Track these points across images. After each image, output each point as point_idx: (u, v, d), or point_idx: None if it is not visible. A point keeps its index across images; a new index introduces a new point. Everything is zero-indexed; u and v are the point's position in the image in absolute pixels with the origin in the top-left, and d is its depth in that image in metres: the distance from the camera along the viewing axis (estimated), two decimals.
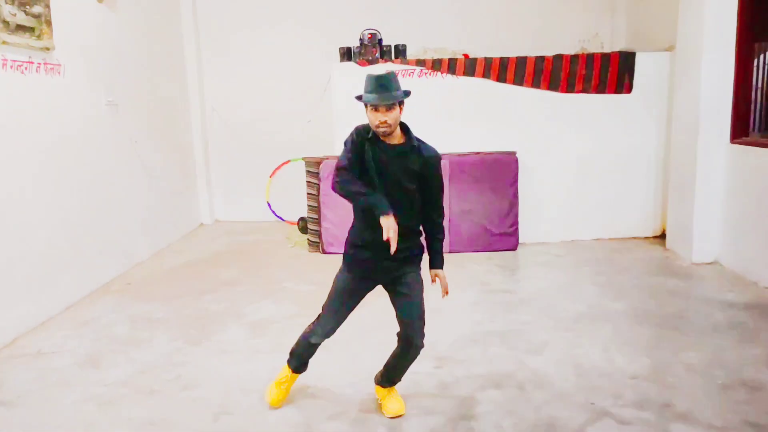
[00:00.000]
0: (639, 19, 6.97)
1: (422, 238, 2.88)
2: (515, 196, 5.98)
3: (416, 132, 2.81)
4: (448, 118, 6.14)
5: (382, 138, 2.69)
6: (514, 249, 6.02)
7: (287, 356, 3.17)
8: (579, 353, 3.62)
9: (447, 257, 2.94)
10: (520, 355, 3.63)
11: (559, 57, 6.07)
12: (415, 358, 2.93)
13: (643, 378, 3.29)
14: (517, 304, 4.52)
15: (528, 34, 7.18)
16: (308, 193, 6.19)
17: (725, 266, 5.22)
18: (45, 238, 4.49)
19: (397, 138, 2.73)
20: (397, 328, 2.92)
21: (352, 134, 2.75)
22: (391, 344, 3.82)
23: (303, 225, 6.65)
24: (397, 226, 2.58)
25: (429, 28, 7.18)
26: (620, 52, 6.13)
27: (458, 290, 4.29)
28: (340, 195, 2.74)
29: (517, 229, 6.05)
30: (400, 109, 2.66)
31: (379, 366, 3.13)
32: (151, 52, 6.52)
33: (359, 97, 2.69)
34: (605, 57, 6.06)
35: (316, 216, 6.16)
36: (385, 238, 2.56)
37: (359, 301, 2.94)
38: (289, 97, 7.53)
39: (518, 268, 5.56)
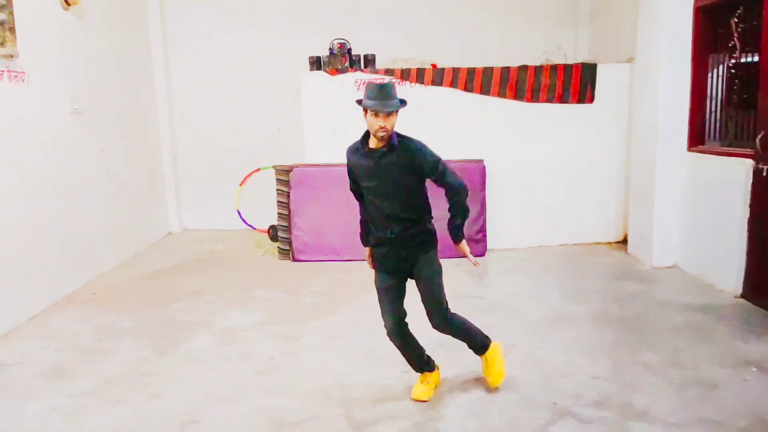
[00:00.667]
0: (600, 32, 7.20)
1: (429, 225, 3.10)
2: (483, 203, 6.09)
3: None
4: (416, 127, 6.09)
5: (365, 142, 2.99)
6: (482, 255, 6.11)
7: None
8: (543, 355, 3.72)
9: None
10: None
11: (524, 68, 6.23)
12: (457, 331, 3.19)
13: (603, 378, 3.39)
14: (485, 309, 4.60)
15: (494, 46, 7.36)
16: (278, 201, 6.20)
17: (684, 270, 5.41)
18: (8, 247, 4.41)
19: (377, 142, 2.95)
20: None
21: (348, 149, 3.09)
22: (362, 349, 3.89)
23: (273, 233, 6.65)
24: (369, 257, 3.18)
25: (398, 38, 7.28)
26: (582, 64, 6.32)
27: None
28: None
29: (485, 235, 6.16)
30: (395, 116, 2.92)
31: (346, 372, 3.20)
32: (118, 59, 6.47)
33: (360, 101, 2.93)
34: (568, 68, 6.24)
35: (286, 224, 6.17)
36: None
37: (400, 294, 3.13)
38: (259, 106, 7.54)
39: (486, 274, 5.65)
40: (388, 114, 2.86)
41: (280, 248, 6.28)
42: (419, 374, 3.28)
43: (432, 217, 3.11)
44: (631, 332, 4.07)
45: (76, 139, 5.47)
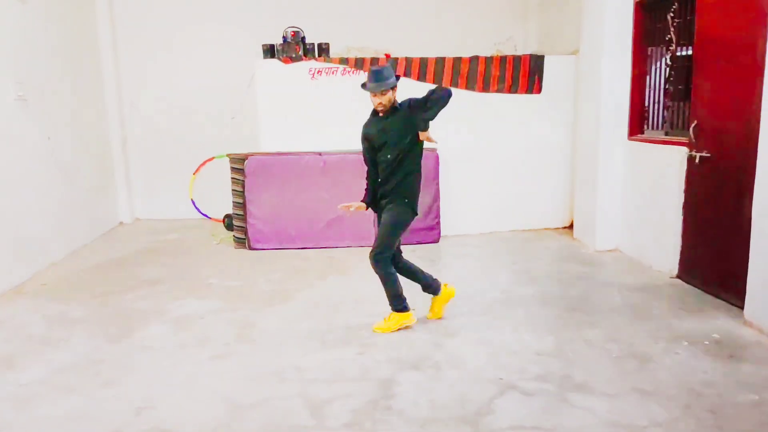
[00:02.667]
0: (548, 24, 7.44)
1: (411, 188, 3.86)
2: (437, 191, 6.24)
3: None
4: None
5: (374, 116, 3.83)
6: (436, 242, 6.28)
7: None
8: (491, 335, 3.88)
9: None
10: (438, 338, 3.85)
11: (475, 58, 6.38)
12: (380, 274, 3.85)
13: (546, 354, 3.58)
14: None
15: (447, 37, 7.49)
16: (233, 190, 6.19)
17: (624, 253, 5.70)
18: None
19: (385, 112, 3.76)
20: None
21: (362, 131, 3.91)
22: (317, 333, 3.96)
23: (228, 222, 6.62)
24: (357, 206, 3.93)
25: (352, 27, 7.33)
26: (531, 55, 6.51)
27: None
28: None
29: (439, 222, 6.31)
30: (393, 92, 3.71)
31: (301, 355, 3.40)
32: (64, 45, 6.30)
33: (363, 85, 3.72)
34: (517, 59, 6.43)
35: (241, 212, 6.17)
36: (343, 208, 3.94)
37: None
38: (212, 94, 7.47)
39: (439, 259, 5.81)
40: (383, 92, 3.65)
41: (236, 237, 6.27)
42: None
43: (418, 184, 3.89)
44: (575, 311, 4.28)
45: (21, 127, 5.32)
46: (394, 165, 3.78)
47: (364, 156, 3.98)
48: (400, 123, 3.74)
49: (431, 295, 4.13)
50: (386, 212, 3.83)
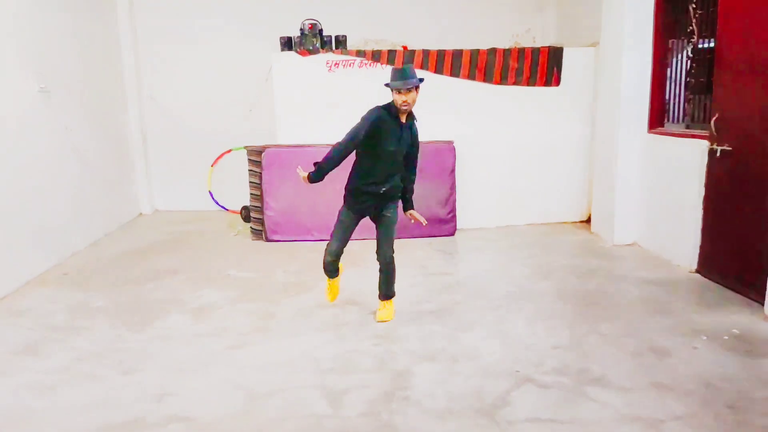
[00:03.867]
0: (567, 16, 7.35)
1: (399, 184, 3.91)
2: (453, 184, 6.22)
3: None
4: None
5: (398, 113, 3.67)
6: (452, 234, 6.27)
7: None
8: (506, 328, 3.88)
9: None
10: (453, 331, 3.85)
11: (492, 50, 6.34)
12: (391, 272, 3.99)
13: (562, 348, 3.57)
14: (453, 286, 4.75)
15: (465, 29, 7.45)
16: (251, 182, 6.24)
17: (643, 247, 5.64)
18: None
19: (403, 116, 3.70)
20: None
21: (377, 111, 3.65)
22: (333, 324, 4.00)
23: (246, 213, 6.68)
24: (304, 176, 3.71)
25: (369, 20, 7.32)
26: (549, 47, 6.45)
27: (398, 273, 4.47)
28: (327, 156, 3.64)
29: (455, 215, 6.30)
30: (416, 92, 3.63)
31: (318, 346, 3.47)
32: (85, 38, 6.37)
33: (387, 84, 3.62)
34: (535, 51, 6.38)
35: (258, 204, 6.21)
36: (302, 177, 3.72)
37: (352, 230, 3.96)
38: (230, 86, 7.52)
39: (455, 252, 5.80)
40: (408, 90, 3.57)
41: (253, 228, 6.32)
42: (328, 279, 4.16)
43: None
44: (591, 306, 4.26)
45: (43, 118, 5.41)
46: (395, 169, 3.83)
47: (353, 141, 3.62)
48: (410, 140, 3.80)
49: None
50: (389, 213, 3.88)
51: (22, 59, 5.06)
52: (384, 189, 3.79)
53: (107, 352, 3.65)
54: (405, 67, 3.62)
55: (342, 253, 3.98)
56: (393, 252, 3.93)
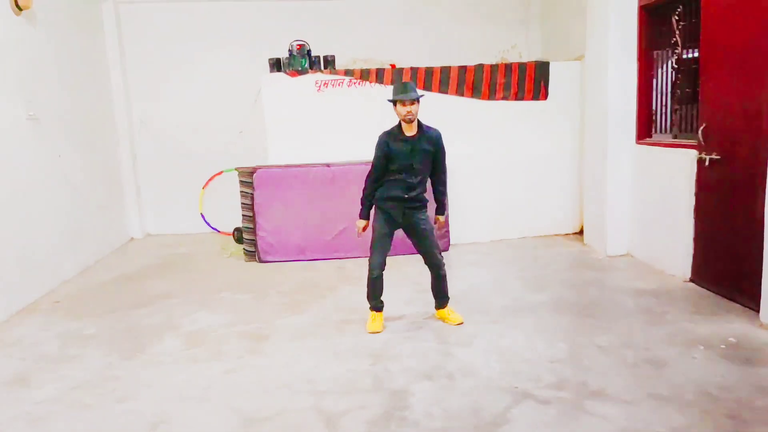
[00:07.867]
0: (552, 31, 7.45)
1: (426, 194, 4.12)
2: None
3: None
4: (377, 126, 6.27)
5: (401, 131, 3.93)
6: (446, 250, 6.25)
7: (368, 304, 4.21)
8: (504, 343, 3.86)
9: None
10: (450, 347, 3.83)
11: (480, 66, 6.39)
12: (445, 275, 4.21)
13: (561, 361, 3.55)
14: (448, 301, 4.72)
15: (452, 46, 7.52)
16: (242, 203, 6.22)
17: (636, 257, 5.66)
18: None
19: (412, 130, 3.93)
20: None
21: (383, 136, 3.99)
22: (329, 345, 3.97)
23: (238, 235, 6.65)
24: (364, 224, 4.13)
25: (357, 39, 7.38)
26: (536, 62, 6.52)
27: (393, 289, 4.47)
28: (364, 190, 4.11)
29: (448, 230, 6.30)
30: (418, 104, 3.87)
31: (314, 367, 3.36)
32: (74, 64, 6.38)
33: (391, 99, 3.90)
34: (522, 66, 6.44)
35: (251, 225, 6.19)
36: (357, 235, 4.19)
37: (390, 241, 4.14)
38: (219, 108, 7.53)
39: (450, 268, 5.66)
40: (412, 102, 3.82)
41: (246, 250, 6.29)
42: (372, 311, 4.20)
43: (426, 190, 4.14)
44: (587, 318, 4.25)
45: (33, 145, 5.38)
46: (417, 178, 4.02)
47: (377, 169, 4.03)
48: (429, 148, 3.99)
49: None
50: (423, 225, 4.09)
51: (9, 87, 5.05)
52: (407, 195, 4.02)
53: (100, 381, 3.59)
54: (406, 83, 3.92)
55: (385, 265, 4.11)
56: (442, 257, 4.19)
